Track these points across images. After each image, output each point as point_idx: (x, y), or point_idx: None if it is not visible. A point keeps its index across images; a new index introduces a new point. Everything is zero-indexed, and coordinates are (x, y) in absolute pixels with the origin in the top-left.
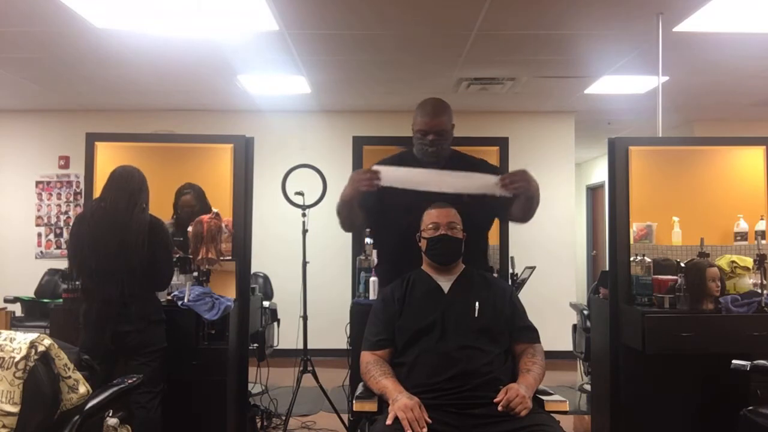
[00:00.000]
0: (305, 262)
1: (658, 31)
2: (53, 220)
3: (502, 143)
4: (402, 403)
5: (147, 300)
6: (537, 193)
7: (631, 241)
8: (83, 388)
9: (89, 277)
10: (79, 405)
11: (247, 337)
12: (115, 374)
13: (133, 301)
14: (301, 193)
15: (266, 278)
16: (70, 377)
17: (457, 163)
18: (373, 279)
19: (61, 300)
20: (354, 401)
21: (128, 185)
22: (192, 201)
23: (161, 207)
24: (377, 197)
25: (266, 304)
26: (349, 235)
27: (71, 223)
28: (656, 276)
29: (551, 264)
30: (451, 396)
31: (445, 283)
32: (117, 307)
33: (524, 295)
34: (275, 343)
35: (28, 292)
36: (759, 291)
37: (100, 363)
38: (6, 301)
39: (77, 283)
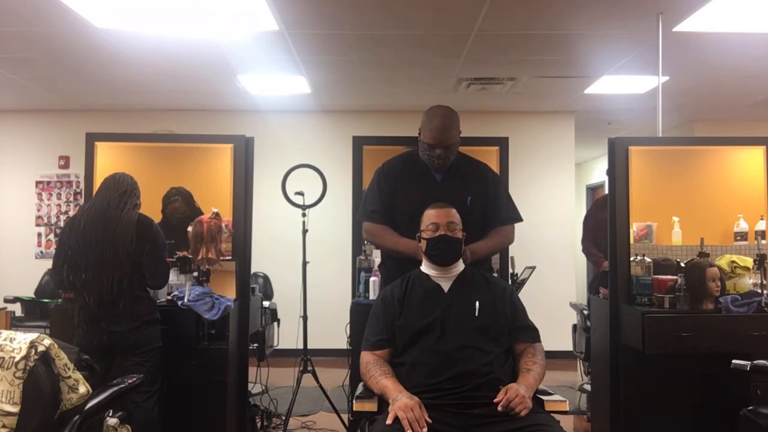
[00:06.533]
0: (305, 262)
1: (658, 31)
2: (53, 220)
3: (502, 143)
4: (402, 402)
5: (138, 299)
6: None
7: (631, 241)
8: (83, 388)
9: (79, 275)
10: (79, 405)
11: (247, 337)
12: (112, 373)
13: (123, 300)
14: (301, 193)
15: (266, 278)
16: (70, 377)
17: (461, 167)
18: (373, 279)
19: (60, 300)
20: (354, 401)
21: (119, 186)
22: (182, 207)
23: (161, 206)
24: (389, 203)
25: (266, 304)
26: (349, 235)
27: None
28: (656, 276)
29: (551, 264)
30: (451, 396)
31: (445, 283)
32: (108, 306)
33: (524, 295)
34: (275, 343)
35: (28, 292)
36: (759, 291)
37: (96, 362)
38: (6, 301)
39: (71, 278)
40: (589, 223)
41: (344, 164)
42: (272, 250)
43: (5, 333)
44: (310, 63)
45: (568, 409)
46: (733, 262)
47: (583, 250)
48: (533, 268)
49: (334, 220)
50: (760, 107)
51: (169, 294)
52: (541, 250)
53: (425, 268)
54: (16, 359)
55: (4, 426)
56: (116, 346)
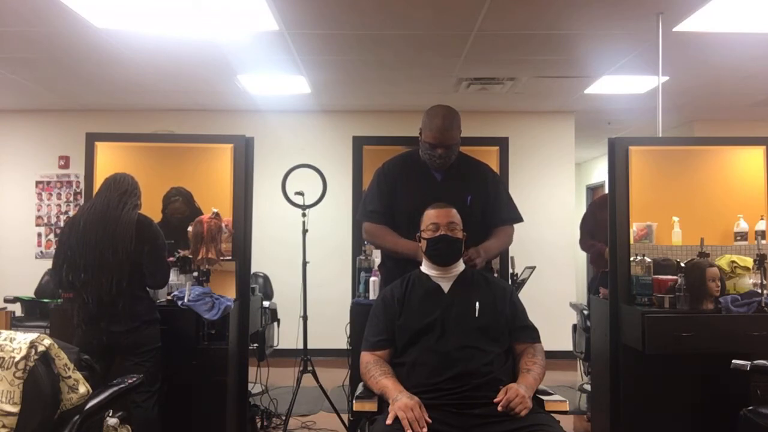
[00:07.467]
0: (305, 262)
1: (658, 31)
2: (53, 220)
3: (502, 143)
4: (402, 402)
5: (137, 299)
6: None
7: (631, 241)
8: (83, 388)
9: (78, 275)
10: (79, 405)
11: (247, 337)
12: (112, 373)
13: (122, 300)
14: (301, 193)
15: (266, 278)
16: (70, 377)
17: (461, 167)
18: (373, 279)
19: (60, 300)
20: (354, 401)
21: (120, 186)
22: (182, 207)
23: (161, 206)
24: (389, 203)
25: (266, 304)
26: (349, 235)
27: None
28: (656, 276)
29: (551, 264)
30: (452, 396)
31: (445, 283)
32: (107, 306)
33: (524, 295)
34: (275, 343)
35: (28, 292)
36: (759, 291)
37: (96, 362)
38: (6, 301)
39: (70, 278)
40: (587, 225)
41: (344, 164)
42: (272, 250)
43: (5, 333)
44: (310, 63)
45: (568, 409)
46: (733, 262)
47: (582, 248)
48: (533, 268)
49: (334, 220)
50: (760, 107)
51: (169, 294)
52: (541, 250)
53: (425, 268)
54: (16, 359)
55: (4, 426)
56: (116, 346)
